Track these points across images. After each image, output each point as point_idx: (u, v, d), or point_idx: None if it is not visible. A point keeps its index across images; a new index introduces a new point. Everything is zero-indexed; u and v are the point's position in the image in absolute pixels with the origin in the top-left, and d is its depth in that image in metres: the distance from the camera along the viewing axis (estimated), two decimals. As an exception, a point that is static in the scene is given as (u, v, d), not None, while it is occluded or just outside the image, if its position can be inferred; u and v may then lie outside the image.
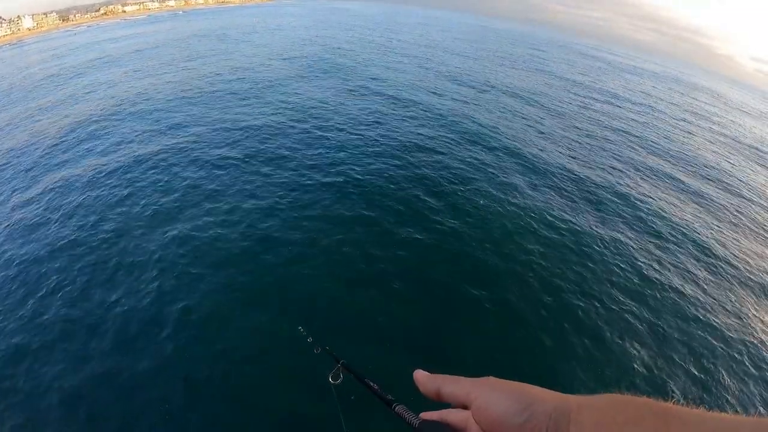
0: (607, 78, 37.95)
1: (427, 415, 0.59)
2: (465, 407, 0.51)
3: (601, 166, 13.62)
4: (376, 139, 12.90)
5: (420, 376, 0.59)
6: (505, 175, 11.51)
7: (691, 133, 22.10)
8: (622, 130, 18.84)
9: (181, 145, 12.30)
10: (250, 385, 5.79)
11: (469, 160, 12.20)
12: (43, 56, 36.79)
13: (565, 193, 11.08)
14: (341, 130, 13.56)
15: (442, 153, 12.44)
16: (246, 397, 5.62)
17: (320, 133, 13.17)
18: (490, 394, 0.47)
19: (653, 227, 10.31)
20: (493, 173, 11.55)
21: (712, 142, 21.34)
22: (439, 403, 0.58)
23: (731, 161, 18.53)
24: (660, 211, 11.22)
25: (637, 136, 18.34)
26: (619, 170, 13.64)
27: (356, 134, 13.24)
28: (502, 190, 10.65)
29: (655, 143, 17.99)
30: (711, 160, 17.80)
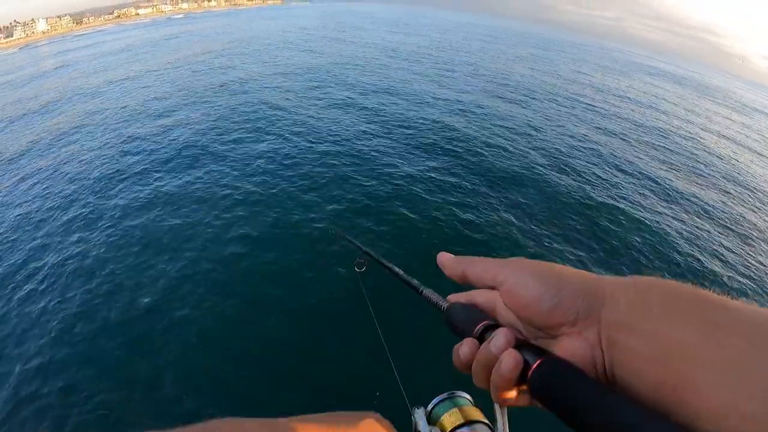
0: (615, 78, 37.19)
1: (454, 297, 0.58)
2: (493, 289, 0.51)
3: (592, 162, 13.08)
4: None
5: (444, 258, 0.57)
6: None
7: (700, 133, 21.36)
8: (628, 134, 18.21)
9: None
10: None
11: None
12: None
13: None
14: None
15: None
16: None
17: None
18: (518, 277, 0.46)
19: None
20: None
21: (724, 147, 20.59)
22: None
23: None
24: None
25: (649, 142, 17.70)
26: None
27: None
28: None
29: (670, 149, 17.34)
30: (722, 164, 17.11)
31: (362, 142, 11.73)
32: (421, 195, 8.89)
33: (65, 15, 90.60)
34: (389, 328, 4.76)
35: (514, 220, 8.64)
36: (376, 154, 10.82)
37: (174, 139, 12.14)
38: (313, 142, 11.59)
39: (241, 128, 12.84)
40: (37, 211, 9.11)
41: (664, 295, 0.36)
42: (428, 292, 0.65)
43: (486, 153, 11.95)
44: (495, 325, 0.48)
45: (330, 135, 12.23)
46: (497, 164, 11.28)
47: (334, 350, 5.18)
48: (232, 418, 0.35)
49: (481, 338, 0.48)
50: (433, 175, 9.97)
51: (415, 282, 0.71)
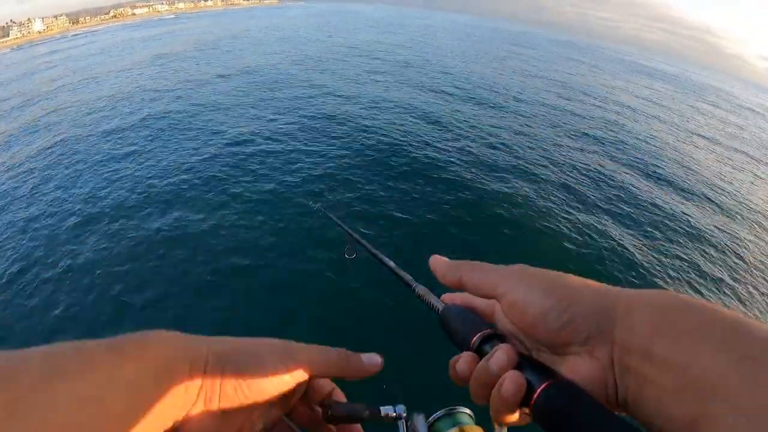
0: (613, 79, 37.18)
1: (449, 297, 0.53)
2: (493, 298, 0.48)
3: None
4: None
5: (438, 263, 0.51)
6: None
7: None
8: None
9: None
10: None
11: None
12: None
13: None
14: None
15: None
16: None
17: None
18: (522, 289, 0.42)
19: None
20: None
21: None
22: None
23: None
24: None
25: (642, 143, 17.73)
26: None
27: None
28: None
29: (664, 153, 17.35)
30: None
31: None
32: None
33: (61, 15, 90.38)
34: (385, 321, 4.52)
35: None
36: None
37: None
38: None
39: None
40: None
41: (684, 316, 0.33)
42: (422, 290, 0.59)
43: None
44: (495, 335, 0.44)
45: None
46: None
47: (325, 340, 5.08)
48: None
49: (479, 350, 0.44)
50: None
51: (407, 277, 0.64)
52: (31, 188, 10.46)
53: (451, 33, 57.09)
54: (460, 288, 0.50)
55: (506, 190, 9.82)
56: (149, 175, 9.64)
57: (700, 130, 23.48)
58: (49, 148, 12.87)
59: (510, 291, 0.42)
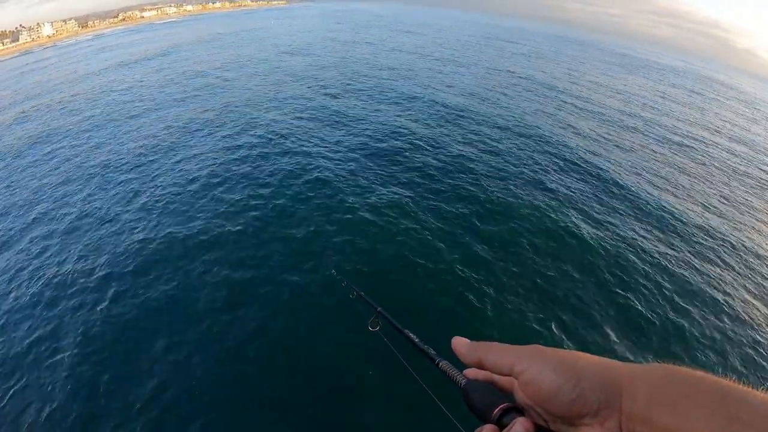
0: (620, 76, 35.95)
1: (471, 373, 0.56)
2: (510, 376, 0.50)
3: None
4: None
5: (459, 345, 0.56)
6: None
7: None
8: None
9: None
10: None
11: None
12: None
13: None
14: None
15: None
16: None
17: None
18: (536, 368, 0.45)
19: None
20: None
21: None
22: None
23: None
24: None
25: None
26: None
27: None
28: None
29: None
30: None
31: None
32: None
33: (70, 19, 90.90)
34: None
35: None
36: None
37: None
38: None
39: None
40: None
41: (678, 385, 0.36)
42: (445, 364, 0.61)
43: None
44: (514, 408, 0.47)
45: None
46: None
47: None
48: None
49: (500, 422, 0.47)
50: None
51: (431, 352, 0.66)
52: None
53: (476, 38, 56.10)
54: (480, 367, 0.53)
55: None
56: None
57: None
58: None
59: (525, 370, 0.46)
